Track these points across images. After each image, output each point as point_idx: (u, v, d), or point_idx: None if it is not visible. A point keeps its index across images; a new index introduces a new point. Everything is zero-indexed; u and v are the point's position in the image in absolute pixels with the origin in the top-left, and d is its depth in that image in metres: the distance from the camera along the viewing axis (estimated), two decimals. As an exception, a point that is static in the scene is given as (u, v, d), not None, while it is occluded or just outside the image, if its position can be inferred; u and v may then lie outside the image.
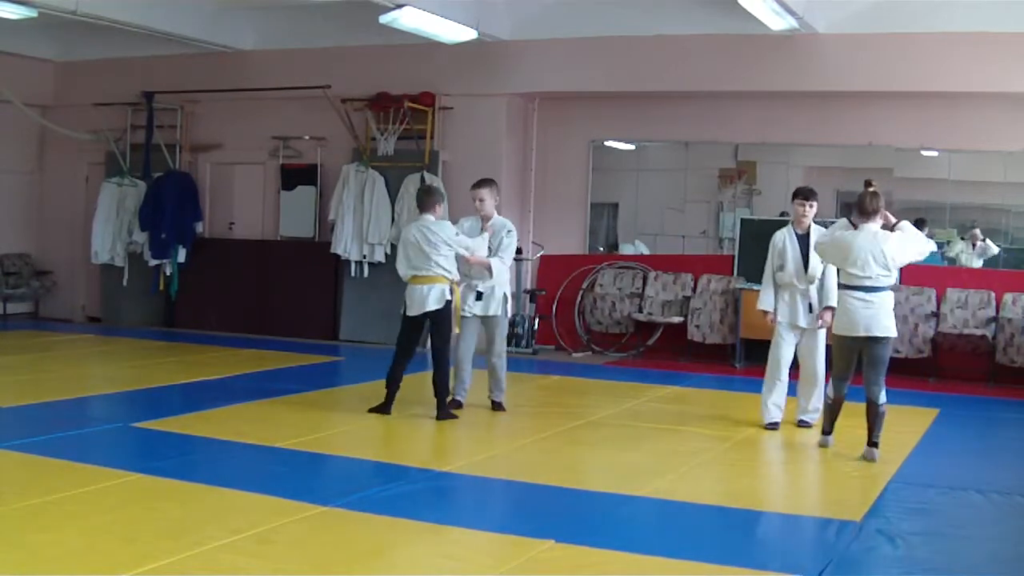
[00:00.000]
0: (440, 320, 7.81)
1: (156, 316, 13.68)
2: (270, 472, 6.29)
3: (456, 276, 7.89)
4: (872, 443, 6.95)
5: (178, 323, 13.55)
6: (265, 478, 6.09)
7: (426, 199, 8.03)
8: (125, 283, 13.61)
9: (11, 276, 14.10)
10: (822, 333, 7.77)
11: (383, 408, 7.96)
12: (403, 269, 7.93)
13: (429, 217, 7.88)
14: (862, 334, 6.91)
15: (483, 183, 8.31)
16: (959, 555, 5.09)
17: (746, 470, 6.76)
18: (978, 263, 11.35)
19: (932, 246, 7.21)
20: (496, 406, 8.32)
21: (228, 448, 6.88)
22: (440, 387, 7.88)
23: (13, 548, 4.64)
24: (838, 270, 7.24)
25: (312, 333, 12.76)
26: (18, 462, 6.22)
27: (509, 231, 8.26)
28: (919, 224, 11.25)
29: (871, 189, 7.16)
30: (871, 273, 6.88)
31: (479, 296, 8.13)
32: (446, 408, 7.88)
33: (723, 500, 5.98)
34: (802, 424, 7.88)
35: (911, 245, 7.04)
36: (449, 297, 7.80)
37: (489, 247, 8.14)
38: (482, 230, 8.17)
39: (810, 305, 7.66)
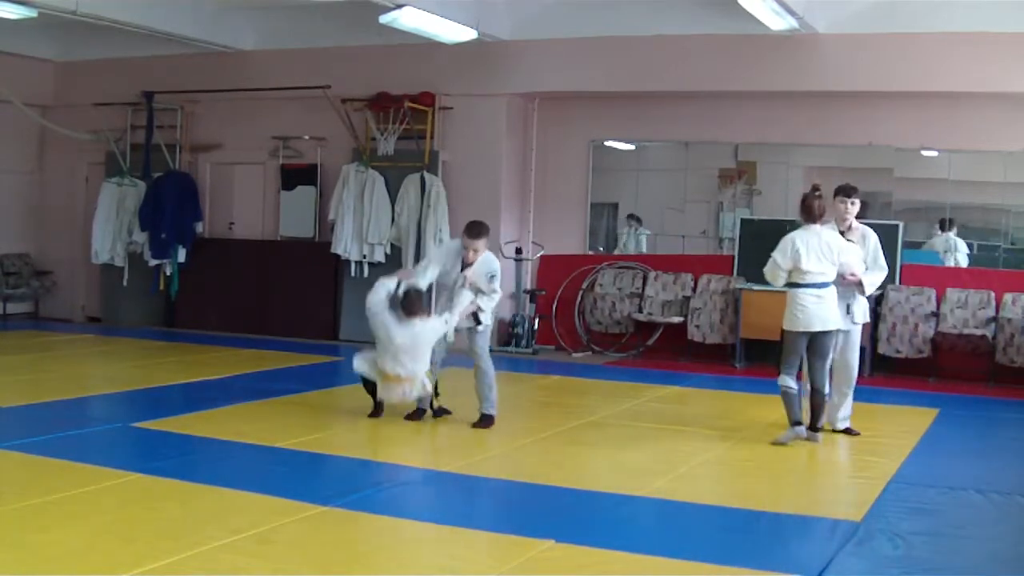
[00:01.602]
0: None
1: (156, 316, 13.68)
2: (270, 472, 6.29)
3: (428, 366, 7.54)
4: (816, 428, 7.34)
5: (178, 323, 13.55)
6: (265, 478, 6.09)
7: (409, 305, 7.60)
8: (125, 283, 13.61)
9: (11, 276, 14.10)
10: (857, 332, 7.66)
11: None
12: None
13: (416, 320, 7.52)
14: (818, 328, 7.20)
15: (481, 232, 7.70)
16: (959, 555, 5.09)
17: (746, 470, 6.76)
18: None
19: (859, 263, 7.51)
20: (487, 420, 7.73)
21: (228, 448, 6.88)
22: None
23: (13, 548, 4.64)
24: (788, 271, 7.34)
25: (312, 333, 12.76)
26: (18, 462, 6.22)
27: (492, 276, 7.72)
28: (946, 225, 11.34)
29: (818, 194, 7.35)
30: (820, 269, 7.19)
31: (477, 320, 7.74)
32: (439, 406, 7.84)
33: (723, 500, 5.99)
34: (850, 432, 7.67)
35: (856, 252, 7.47)
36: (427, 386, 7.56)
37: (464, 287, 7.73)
38: (463, 269, 7.71)
39: (848, 306, 7.49)
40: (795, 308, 7.23)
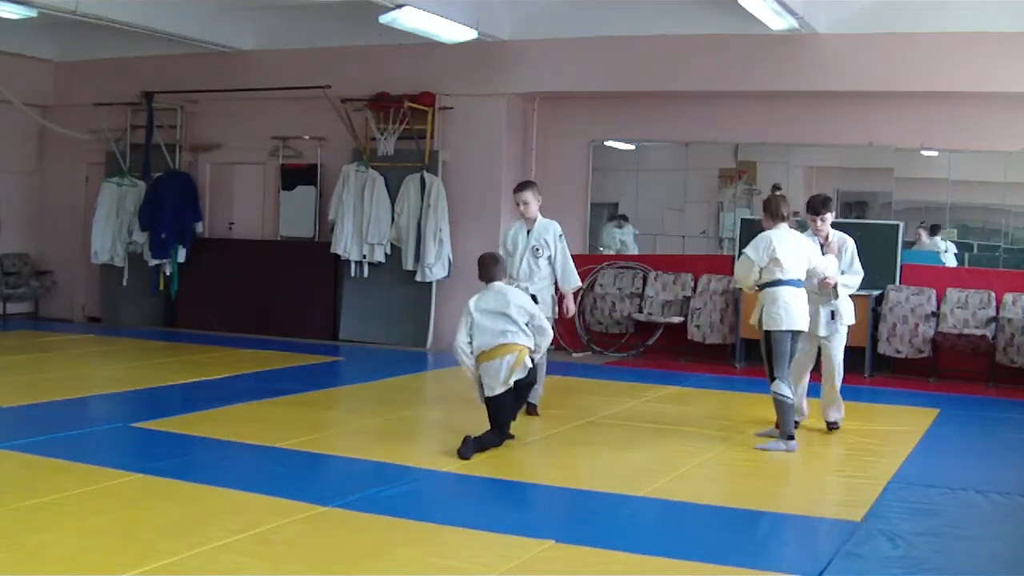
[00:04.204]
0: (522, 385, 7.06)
1: (156, 316, 13.68)
2: (270, 472, 6.29)
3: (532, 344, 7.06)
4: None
5: (178, 323, 13.55)
6: (265, 478, 6.09)
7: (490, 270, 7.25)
8: (125, 283, 13.61)
9: (11, 276, 14.10)
10: (844, 331, 7.67)
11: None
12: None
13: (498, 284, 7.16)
14: (799, 327, 7.21)
15: (526, 185, 8.37)
16: (959, 555, 5.09)
17: (746, 470, 6.76)
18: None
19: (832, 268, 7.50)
20: (531, 408, 8.06)
21: (228, 448, 6.88)
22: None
23: (13, 548, 4.64)
24: (760, 269, 7.28)
25: (312, 333, 12.76)
26: (18, 462, 6.22)
27: (560, 235, 8.25)
28: (934, 230, 11.39)
29: (779, 193, 7.45)
30: (794, 267, 7.20)
31: (534, 299, 7.71)
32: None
33: (723, 500, 5.99)
34: (833, 427, 7.78)
35: (830, 261, 7.48)
36: (530, 365, 7.03)
37: (537, 249, 8.16)
38: (528, 232, 8.16)
39: (832, 313, 7.53)
40: (778, 306, 7.15)
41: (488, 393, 6.93)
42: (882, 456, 7.05)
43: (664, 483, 6.19)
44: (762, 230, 7.38)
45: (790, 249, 7.21)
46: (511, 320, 6.92)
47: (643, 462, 6.80)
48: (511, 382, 6.88)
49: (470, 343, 6.98)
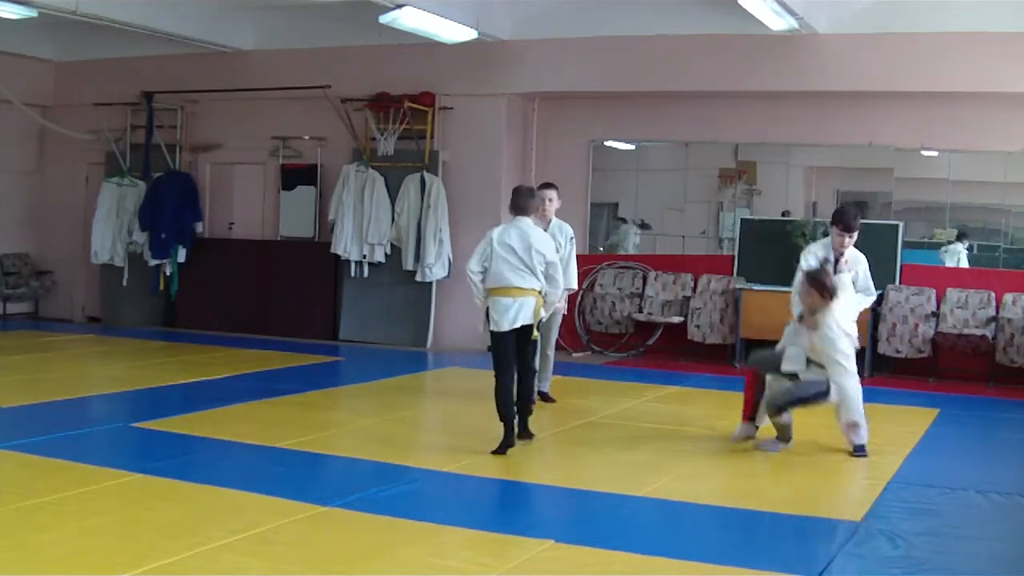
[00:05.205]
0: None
1: (156, 316, 13.67)
2: (270, 472, 6.30)
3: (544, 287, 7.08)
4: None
5: (178, 323, 13.54)
6: (265, 478, 6.10)
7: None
8: (125, 283, 13.61)
9: (11, 276, 14.10)
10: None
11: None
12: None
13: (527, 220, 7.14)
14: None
15: (552, 185, 8.62)
16: (959, 555, 5.09)
17: (746, 470, 6.76)
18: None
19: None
20: (545, 397, 8.69)
21: (228, 448, 6.88)
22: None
23: (13, 548, 4.64)
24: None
25: (312, 333, 12.75)
26: (18, 462, 6.23)
27: (571, 238, 8.53)
28: (961, 238, 11.37)
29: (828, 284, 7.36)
30: None
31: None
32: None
33: (723, 500, 6.00)
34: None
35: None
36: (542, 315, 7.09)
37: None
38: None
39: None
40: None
41: (493, 328, 6.94)
42: (882, 456, 7.04)
43: (664, 483, 6.19)
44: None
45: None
46: (527, 265, 6.91)
47: (643, 462, 6.80)
48: (518, 324, 6.87)
49: (482, 272, 6.98)
